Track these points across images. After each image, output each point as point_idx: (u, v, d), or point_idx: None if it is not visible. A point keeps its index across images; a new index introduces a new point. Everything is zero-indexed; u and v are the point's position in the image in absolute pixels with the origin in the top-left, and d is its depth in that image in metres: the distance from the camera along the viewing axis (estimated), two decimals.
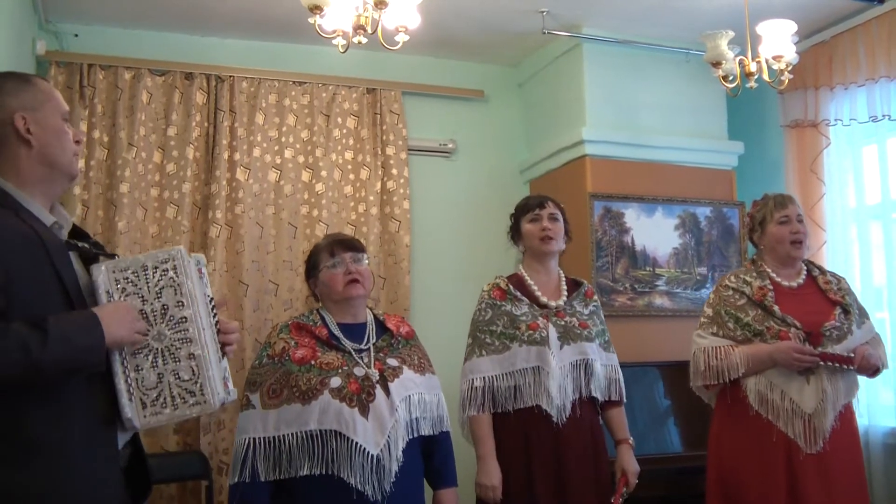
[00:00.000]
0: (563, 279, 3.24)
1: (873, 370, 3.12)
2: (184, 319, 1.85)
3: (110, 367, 1.83)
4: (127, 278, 1.85)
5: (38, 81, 1.96)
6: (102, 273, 1.85)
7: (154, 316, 1.85)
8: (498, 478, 2.95)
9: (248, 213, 4.28)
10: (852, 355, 3.03)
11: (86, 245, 1.95)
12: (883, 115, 4.06)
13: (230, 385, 1.97)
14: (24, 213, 1.83)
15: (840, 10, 4.23)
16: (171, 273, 1.86)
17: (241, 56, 4.47)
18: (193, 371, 1.83)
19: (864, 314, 3.23)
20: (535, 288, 3.15)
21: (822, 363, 2.99)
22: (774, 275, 3.20)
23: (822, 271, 3.29)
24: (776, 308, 3.09)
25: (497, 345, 3.05)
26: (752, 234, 3.32)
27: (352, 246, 2.88)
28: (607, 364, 3.17)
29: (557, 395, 2.97)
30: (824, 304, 3.16)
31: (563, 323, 3.10)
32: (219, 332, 1.97)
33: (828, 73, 4.34)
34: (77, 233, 2.01)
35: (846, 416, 3.06)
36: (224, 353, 1.98)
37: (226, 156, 4.28)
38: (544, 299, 3.13)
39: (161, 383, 1.83)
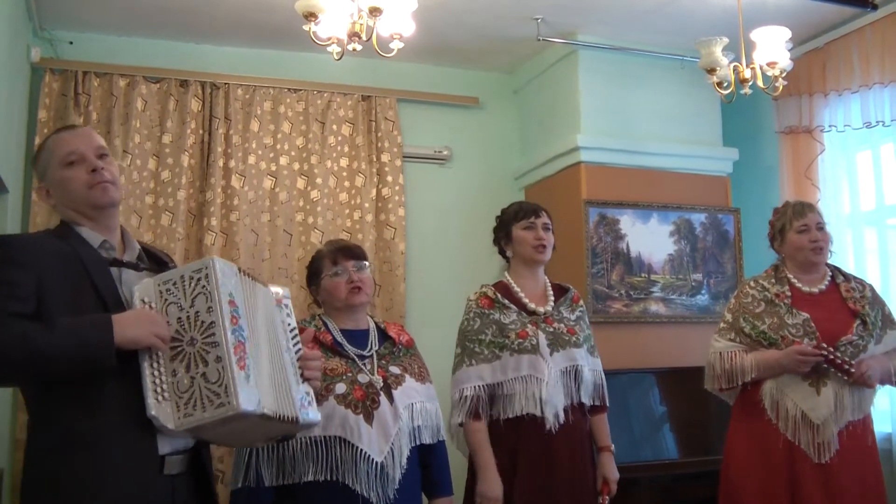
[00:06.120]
0: (549, 285, 3.24)
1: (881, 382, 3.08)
2: (212, 324, 1.91)
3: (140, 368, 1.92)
4: (169, 290, 1.97)
5: (49, 141, 2.15)
6: (145, 284, 2.00)
7: (190, 323, 1.93)
8: (500, 488, 2.91)
9: (244, 220, 4.27)
10: (853, 369, 2.96)
11: (131, 261, 2.09)
12: (877, 122, 4.08)
13: (313, 406, 2.18)
14: (73, 237, 2.05)
15: (834, 16, 4.25)
16: (203, 282, 1.95)
17: (236, 63, 4.47)
18: (219, 373, 1.88)
19: (888, 324, 3.16)
20: (522, 294, 3.13)
21: (826, 365, 2.95)
22: (795, 280, 3.20)
23: (847, 278, 3.24)
24: (794, 309, 3.08)
25: (487, 354, 3.02)
26: (773, 242, 3.31)
27: (354, 254, 2.86)
28: (594, 369, 3.16)
29: (550, 403, 2.96)
30: (844, 312, 3.11)
31: (551, 329, 3.08)
32: (300, 359, 2.22)
33: (822, 80, 4.36)
34: (150, 255, 2.21)
35: (858, 430, 3.00)
36: (305, 379, 2.20)
37: (221, 163, 4.28)
38: (532, 306, 3.11)
39: (193, 386, 1.89)
